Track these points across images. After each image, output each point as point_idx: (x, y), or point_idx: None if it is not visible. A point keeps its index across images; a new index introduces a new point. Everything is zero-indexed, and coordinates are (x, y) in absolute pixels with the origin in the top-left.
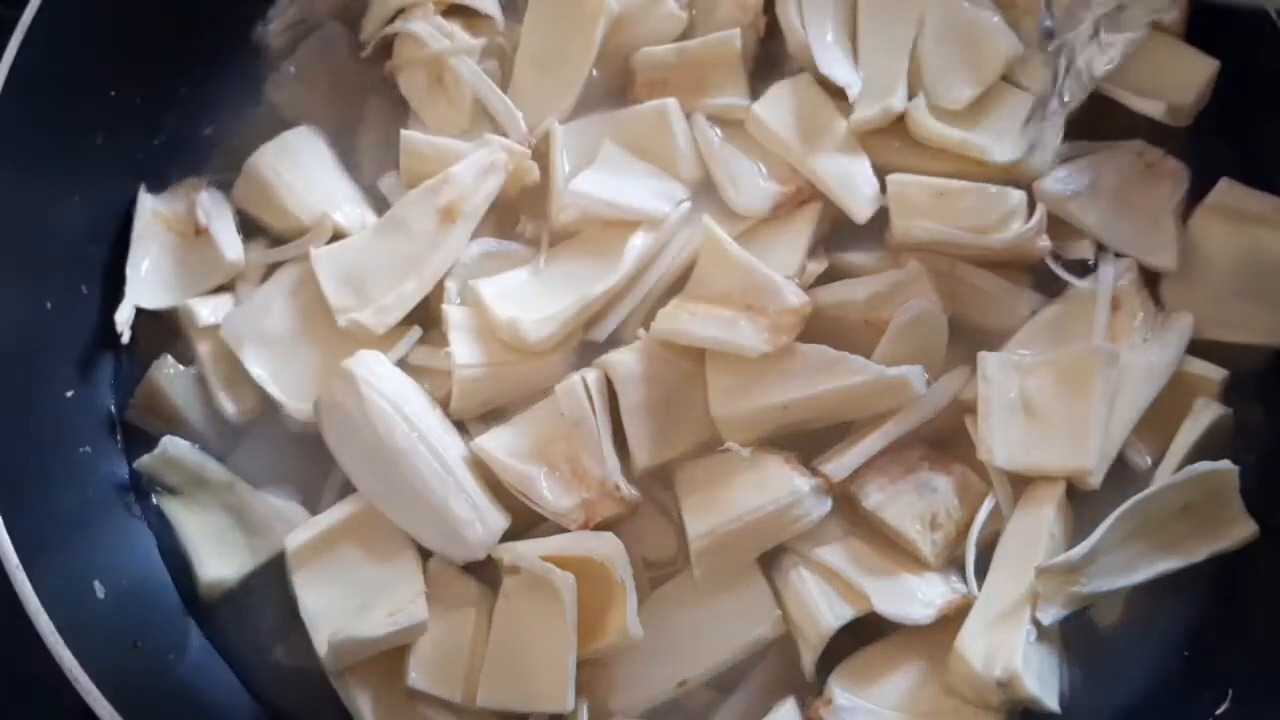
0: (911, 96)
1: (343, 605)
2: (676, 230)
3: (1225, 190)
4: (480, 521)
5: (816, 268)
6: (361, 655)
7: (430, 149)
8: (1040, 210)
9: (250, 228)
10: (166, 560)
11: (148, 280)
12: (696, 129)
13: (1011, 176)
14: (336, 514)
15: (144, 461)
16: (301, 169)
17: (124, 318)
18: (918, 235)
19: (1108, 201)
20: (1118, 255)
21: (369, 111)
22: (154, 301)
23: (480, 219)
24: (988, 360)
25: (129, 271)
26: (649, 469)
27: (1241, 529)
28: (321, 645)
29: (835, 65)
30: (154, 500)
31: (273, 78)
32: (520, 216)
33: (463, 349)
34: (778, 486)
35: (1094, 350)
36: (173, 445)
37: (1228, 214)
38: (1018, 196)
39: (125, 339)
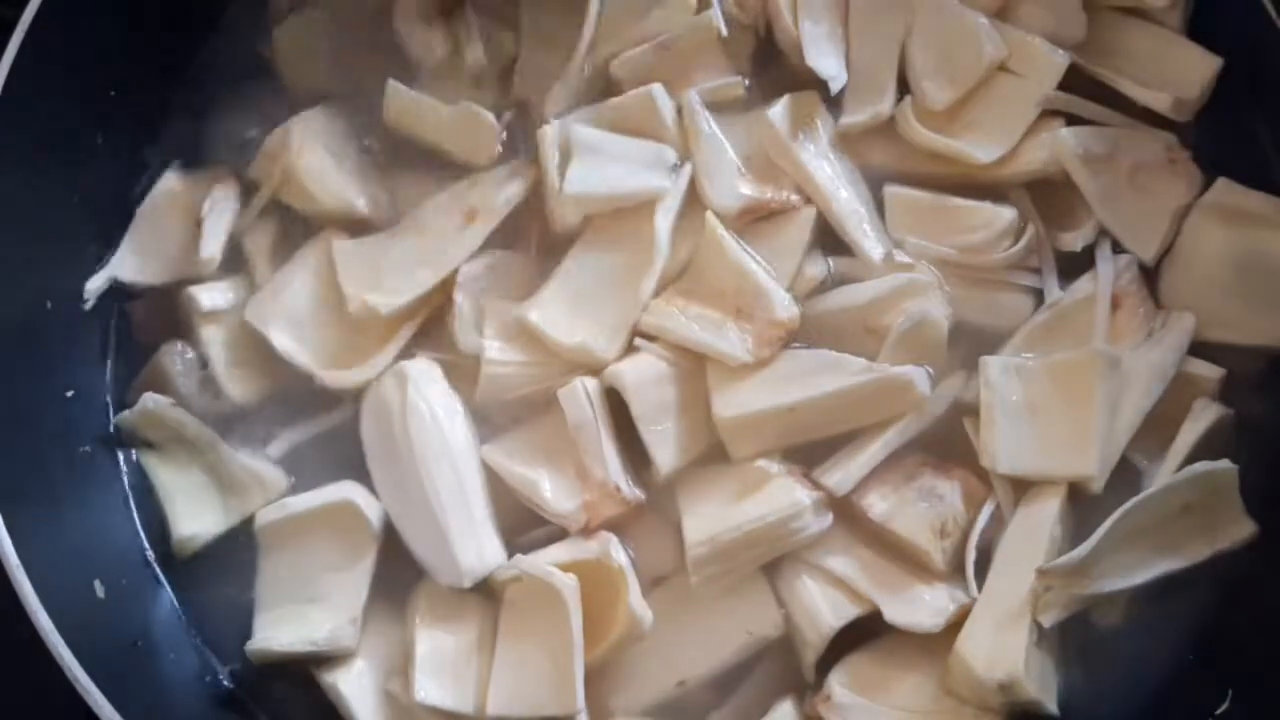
0: (904, 95)
1: (291, 593)
2: (685, 193)
3: (1222, 190)
4: (477, 550)
5: (816, 272)
6: (278, 663)
7: (412, 103)
8: (1030, 231)
9: (266, 205)
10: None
11: (132, 254)
12: (688, 110)
13: (1000, 174)
14: (311, 500)
15: (125, 416)
16: (320, 149)
17: (94, 286)
18: (910, 250)
19: (1117, 177)
20: (1116, 251)
21: (376, 77)
22: (131, 275)
23: (500, 220)
24: (990, 365)
25: (123, 246)
26: (673, 473)
27: (1241, 529)
28: (255, 630)
29: (823, 59)
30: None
31: (277, 67)
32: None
33: (497, 348)
34: (779, 498)
35: (1095, 354)
36: (153, 400)
37: (1225, 213)
38: (1009, 215)
39: (87, 306)
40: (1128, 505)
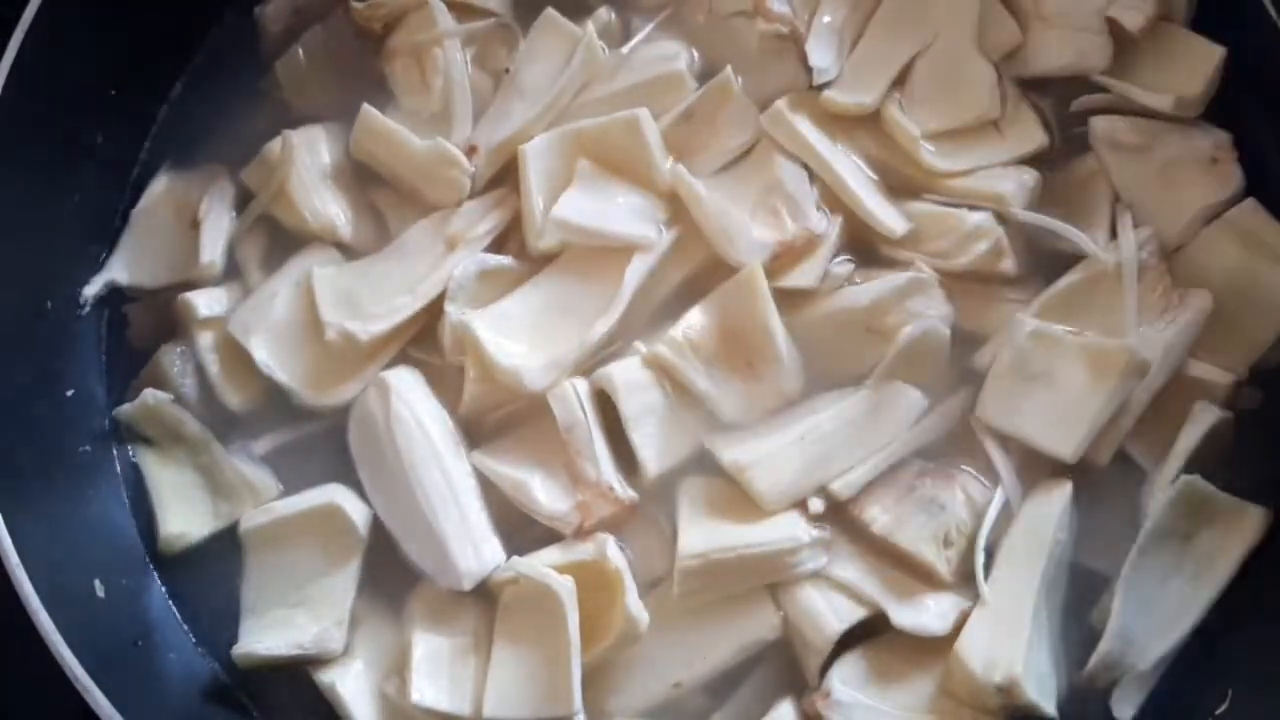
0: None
1: (277, 597)
2: (665, 254)
3: (1247, 210)
4: (475, 552)
5: (842, 270)
6: (265, 667)
7: (384, 130)
8: (997, 235)
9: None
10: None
11: (128, 257)
12: (680, 182)
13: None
14: (296, 504)
15: (124, 410)
16: (314, 167)
17: (91, 292)
18: (885, 256)
19: (1147, 168)
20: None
21: (368, 100)
22: (128, 278)
23: (482, 248)
24: (1023, 325)
25: (119, 249)
26: (660, 476)
27: (1252, 518)
28: (241, 634)
29: (820, 50)
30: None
31: (274, 71)
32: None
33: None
34: (780, 530)
35: (1126, 350)
36: (153, 396)
37: (1241, 234)
38: (974, 220)
39: (83, 312)
40: (1126, 567)
